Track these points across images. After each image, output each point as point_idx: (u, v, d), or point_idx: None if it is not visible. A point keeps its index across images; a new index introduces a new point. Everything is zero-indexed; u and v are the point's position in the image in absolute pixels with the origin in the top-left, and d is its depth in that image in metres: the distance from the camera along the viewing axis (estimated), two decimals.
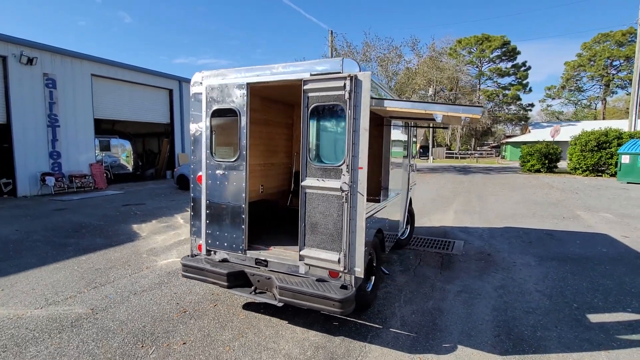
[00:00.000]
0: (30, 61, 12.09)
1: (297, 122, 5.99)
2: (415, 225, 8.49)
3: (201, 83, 3.84)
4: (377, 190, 4.76)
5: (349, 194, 3.09)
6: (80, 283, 4.79)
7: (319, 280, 3.39)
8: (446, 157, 52.19)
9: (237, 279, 3.71)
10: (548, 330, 3.68)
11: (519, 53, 55.66)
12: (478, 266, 5.68)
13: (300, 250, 3.39)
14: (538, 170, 22.71)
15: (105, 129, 18.01)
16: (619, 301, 4.40)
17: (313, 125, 3.28)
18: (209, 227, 3.91)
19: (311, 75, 3.22)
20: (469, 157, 47.52)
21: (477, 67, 59.18)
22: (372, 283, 4.28)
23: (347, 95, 3.02)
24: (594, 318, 3.96)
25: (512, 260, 5.97)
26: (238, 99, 3.61)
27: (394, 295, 4.54)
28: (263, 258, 3.68)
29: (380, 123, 4.61)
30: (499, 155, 51.67)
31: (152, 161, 20.26)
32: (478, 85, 59.23)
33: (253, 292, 3.63)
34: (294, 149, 6.18)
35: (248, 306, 4.17)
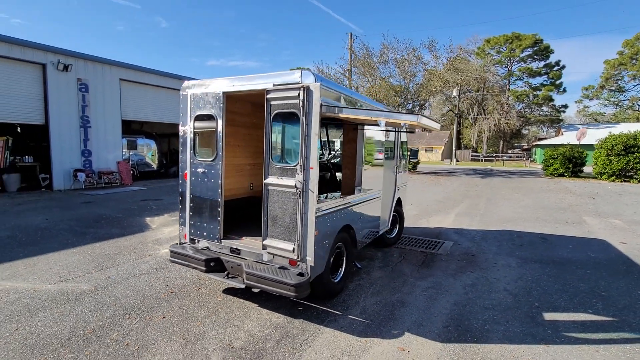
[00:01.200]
0: (66, 68, 13.34)
1: None
2: (414, 226, 8.72)
3: (186, 92, 4.37)
4: (353, 189, 5.11)
5: (302, 191, 3.49)
6: (90, 265, 5.48)
7: (281, 267, 3.81)
8: (471, 160, 50.90)
9: (214, 265, 4.20)
10: (497, 325, 3.89)
11: (551, 52, 53.30)
12: (458, 265, 5.87)
13: (263, 240, 3.83)
14: (562, 175, 21.85)
15: (134, 129, 19.32)
16: (584, 303, 4.49)
17: (274, 129, 3.70)
18: (192, 218, 4.43)
19: (274, 85, 3.65)
20: (495, 160, 46.07)
21: (506, 67, 57.25)
22: (341, 275, 4.64)
23: (300, 104, 3.42)
24: (550, 316, 4.11)
25: (493, 262, 6.10)
26: (215, 106, 4.10)
27: (365, 287, 4.87)
28: (236, 247, 4.15)
29: (356, 127, 4.96)
30: (528, 159, 49.70)
31: (176, 160, 21.42)
32: (507, 86, 57.28)
33: (226, 277, 4.10)
34: None
35: (228, 290, 4.65)
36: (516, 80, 57.58)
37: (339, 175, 5.96)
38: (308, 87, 3.39)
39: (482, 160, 47.44)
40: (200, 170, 4.30)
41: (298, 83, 3.52)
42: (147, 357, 3.18)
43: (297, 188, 3.50)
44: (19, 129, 14.78)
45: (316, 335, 3.62)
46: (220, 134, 4.11)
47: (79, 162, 14.07)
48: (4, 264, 5.42)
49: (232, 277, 4.09)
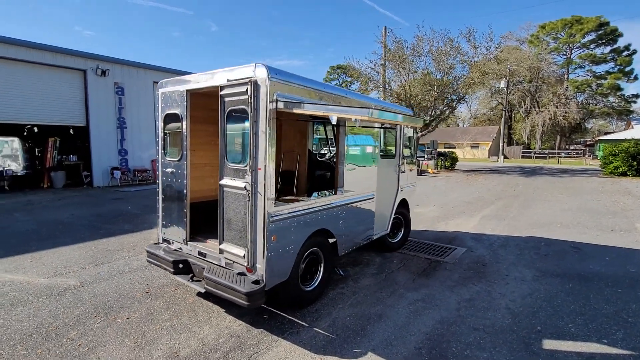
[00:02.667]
0: (103, 73, 14.32)
1: (285, 123, 6.21)
2: (429, 229, 8.10)
3: (159, 90, 4.31)
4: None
5: (251, 193, 3.24)
6: (87, 261, 5.71)
7: (240, 273, 3.60)
8: (522, 157, 47.04)
9: (183, 267, 4.10)
10: (481, 351, 3.35)
11: (619, 35, 47.38)
12: (461, 276, 5.27)
13: (220, 244, 3.64)
14: (624, 174, 19.24)
15: None
16: (600, 330, 3.74)
17: (228, 128, 3.49)
18: (164, 218, 4.38)
19: (227, 81, 3.43)
20: (549, 157, 42.07)
21: (564, 54, 52.01)
22: (317, 282, 4.34)
23: (249, 100, 3.17)
24: (550, 345, 3.47)
25: (505, 273, 5.39)
26: (181, 105, 3.98)
27: (346, 296, 4.51)
28: (200, 250, 4.02)
29: (337, 124, 4.59)
30: (589, 155, 44.69)
31: None
32: (565, 75, 52.02)
33: (190, 279, 3.99)
34: (283, 149, 6.41)
35: (202, 293, 4.55)
36: (576, 68, 52.11)
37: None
38: (256, 82, 3.13)
39: (533, 157, 43.58)
40: (169, 170, 4.23)
41: (250, 77, 3.28)
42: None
43: (247, 190, 3.26)
44: (71, 131, 16.16)
45: (270, 348, 3.37)
46: (185, 133, 3.99)
47: (116, 161, 15.07)
48: (14, 257, 5.83)
49: (197, 281, 3.96)
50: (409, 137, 6.60)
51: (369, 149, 5.15)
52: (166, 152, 4.30)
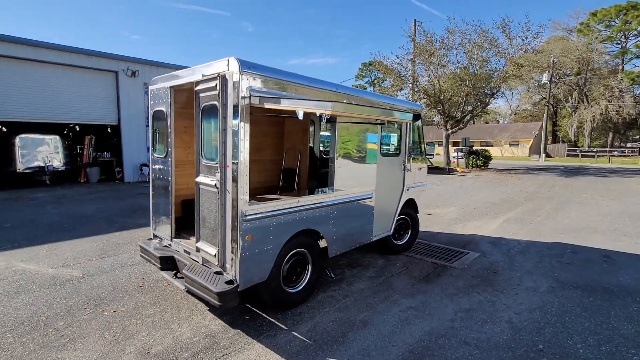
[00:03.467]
0: (133, 74, 15.03)
1: (287, 120, 6.11)
2: (444, 231, 7.67)
3: (148, 88, 4.35)
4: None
5: (221, 191, 3.15)
6: (95, 253, 5.96)
7: (217, 272, 3.54)
8: (567, 155, 43.71)
9: (170, 263, 4.13)
10: None
11: None
12: (466, 283, 4.88)
13: (196, 242, 3.60)
14: None
15: None
16: (613, 353, 3.27)
17: (203, 124, 3.42)
18: (154, 214, 4.43)
19: (203, 76, 3.37)
20: (599, 156, 38.66)
21: (618, 43, 47.54)
22: (304, 284, 4.19)
23: (218, 95, 3.08)
24: None
25: (517, 282, 4.93)
26: (165, 102, 3.99)
27: (335, 299, 4.32)
28: (186, 247, 4.01)
29: (329, 120, 4.40)
30: None
31: None
32: (620, 66, 47.56)
33: (174, 276, 4.00)
34: (285, 145, 6.31)
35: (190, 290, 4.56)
36: (632, 58, 47.60)
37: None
38: (224, 76, 3.03)
39: (579, 155, 40.33)
40: (157, 167, 4.26)
41: (220, 72, 3.18)
42: (68, 352, 3.22)
43: (217, 187, 3.18)
44: (109, 129, 17.15)
45: (241, 351, 3.28)
46: (170, 130, 3.99)
47: (145, 157, 15.78)
48: (33, 247, 6.22)
49: (180, 278, 3.96)
50: (418, 134, 6.24)
51: (366, 146, 4.90)
52: (155, 149, 4.34)
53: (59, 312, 3.95)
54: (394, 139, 5.64)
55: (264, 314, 3.93)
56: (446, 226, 8.24)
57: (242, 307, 4.07)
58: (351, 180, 4.69)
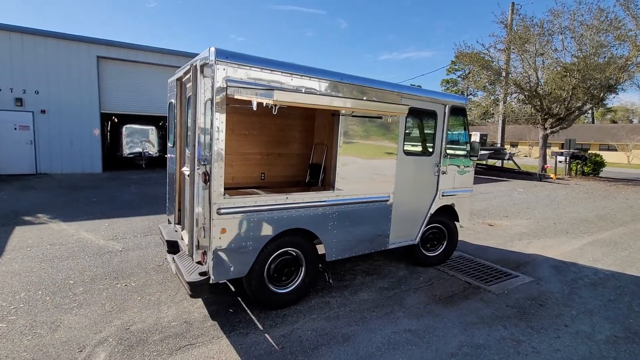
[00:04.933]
0: None
1: (318, 114, 5.91)
2: (499, 247, 6.62)
3: (169, 80, 4.62)
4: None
5: (192, 182, 3.14)
6: (142, 231, 6.69)
7: (198, 262, 3.59)
8: None
9: (174, 247, 4.36)
10: None
11: None
12: (496, 313, 4.06)
13: (181, 230, 3.69)
14: None
15: None
16: None
17: (187, 115, 3.45)
18: (168, 200, 4.72)
19: (191, 66, 3.39)
20: None
21: None
22: (294, 286, 3.99)
23: (193, 85, 3.06)
24: None
25: (564, 323, 3.90)
26: (174, 93, 4.17)
27: (328, 307, 4.02)
28: (182, 234, 4.17)
29: (334, 113, 4.07)
30: None
31: None
32: None
33: (172, 260, 4.20)
34: (315, 140, 6.13)
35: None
36: None
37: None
38: (196, 66, 2.99)
39: None
40: (170, 156, 4.51)
41: (197, 62, 3.15)
42: (69, 316, 3.62)
43: (192, 178, 3.18)
44: None
45: (207, 344, 3.26)
46: (177, 120, 4.16)
47: None
48: (100, 220, 7.28)
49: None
50: (462, 131, 5.40)
51: (381, 143, 4.40)
52: (169, 140, 4.60)
53: (85, 279, 4.51)
54: (423, 137, 4.97)
55: (248, 310, 3.86)
56: (505, 241, 7.03)
57: (232, 300, 4.08)
58: (359, 180, 4.28)
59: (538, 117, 20.29)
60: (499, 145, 22.83)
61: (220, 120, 3.16)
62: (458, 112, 5.23)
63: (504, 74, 19.59)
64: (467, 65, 21.13)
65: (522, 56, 18.72)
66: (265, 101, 2.59)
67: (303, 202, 3.83)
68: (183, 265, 3.61)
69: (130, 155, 16.47)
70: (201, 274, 3.37)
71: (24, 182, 11.57)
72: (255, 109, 2.76)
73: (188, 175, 3.28)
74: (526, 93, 19.12)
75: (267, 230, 3.62)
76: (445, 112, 5.02)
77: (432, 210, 5.15)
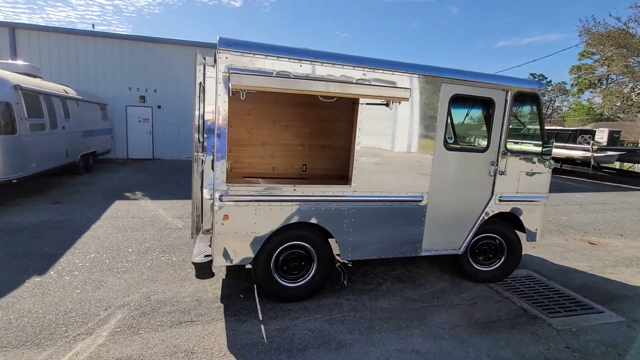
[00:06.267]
0: None
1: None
2: (593, 272, 5.29)
3: None
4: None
5: (195, 168, 3.27)
6: None
7: (210, 245, 3.77)
8: None
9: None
10: None
11: None
12: (546, 354, 3.21)
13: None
14: None
15: None
16: None
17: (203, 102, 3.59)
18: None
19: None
20: None
21: None
22: (305, 281, 3.86)
23: (203, 73, 3.16)
24: None
25: None
26: (201, 77, 4.29)
27: (337, 310, 3.77)
28: None
29: (354, 101, 3.74)
30: None
31: None
32: None
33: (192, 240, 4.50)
34: None
35: None
36: None
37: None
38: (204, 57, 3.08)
39: None
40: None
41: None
42: (114, 279, 4.20)
43: (197, 163, 3.33)
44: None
45: (204, 324, 3.38)
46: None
47: None
48: (179, 200, 8.30)
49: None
50: (538, 122, 4.39)
51: (411, 134, 3.87)
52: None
53: (141, 249, 5.20)
54: (474, 129, 4.20)
55: (257, 298, 3.89)
56: (604, 266, 5.52)
57: (247, 286, 4.17)
58: (382, 175, 3.86)
59: None
60: None
61: (223, 107, 3.20)
62: (526, 99, 4.25)
63: None
64: (595, 46, 17.10)
65: None
66: (235, 87, 2.50)
67: (313, 196, 3.64)
68: (198, 246, 3.82)
69: None
70: (206, 256, 3.52)
71: (141, 165, 14.05)
72: (234, 95, 2.70)
73: (195, 161, 3.45)
74: None
75: (272, 221, 3.56)
76: (507, 100, 4.13)
77: (484, 217, 4.34)
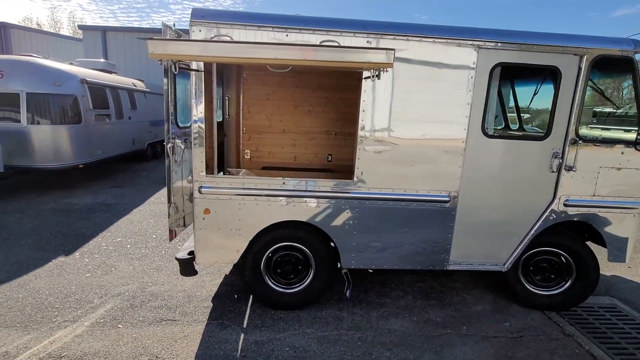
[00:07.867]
0: None
1: None
2: None
3: None
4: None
5: (168, 156, 2.98)
6: None
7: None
8: None
9: None
10: None
11: None
12: None
13: None
14: None
15: None
16: None
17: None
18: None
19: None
20: None
21: None
22: (300, 288, 3.38)
23: None
24: None
25: None
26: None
27: (334, 326, 3.21)
28: None
29: (360, 77, 3.05)
30: None
31: None
32: None
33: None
34: None
35: None
36: None
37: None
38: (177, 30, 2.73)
39: None
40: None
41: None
42: (125, 264, 4.24)
43: (170, 150, 3.04)
44: None
45: (185, 324, 3.14)
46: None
47: None
48: None
49: None
50: (619, 101, 3.13)
51: (434, 116, 3.03)
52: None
53: (164, 236, 5.23)
54: (528, 109, 3.14)
55: (249, 302, 3.53)
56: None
57: (226, 282, 3.85)
58: (395, 167, 3.11)
59: None
60: None
61: (199, 88, 2.84)
62: (613, 66, 3.03)
63: None
64: None
65: None
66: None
67: (306, 191, 3.10)
68: (188, 241, 3.60)
69: None
70: (190, 253, 3.26)
71: None
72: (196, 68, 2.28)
73: (171, 148, 3.16)
74: None
75: (260, 218, 3.12)
76: (580, 68, 2.97)
77: (541, 226, 3.29)
